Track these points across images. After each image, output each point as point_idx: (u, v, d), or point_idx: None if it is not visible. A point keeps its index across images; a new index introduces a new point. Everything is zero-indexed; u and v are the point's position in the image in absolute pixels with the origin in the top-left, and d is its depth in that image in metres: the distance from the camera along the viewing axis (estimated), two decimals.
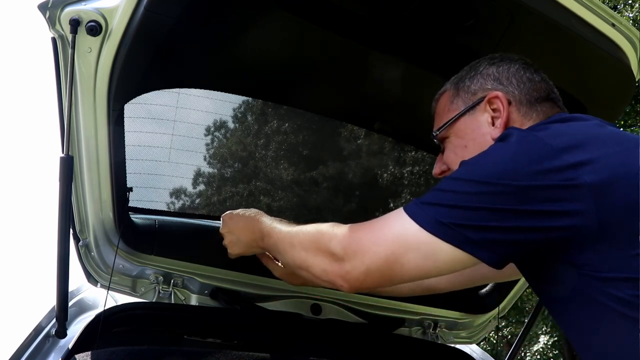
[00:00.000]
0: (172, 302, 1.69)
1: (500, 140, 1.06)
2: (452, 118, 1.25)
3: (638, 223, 0.93)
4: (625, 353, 0.94)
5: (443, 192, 1.03)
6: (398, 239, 1.04)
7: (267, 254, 1.56)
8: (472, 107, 1.23)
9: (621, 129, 1.15)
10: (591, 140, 1.01)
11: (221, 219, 1.57)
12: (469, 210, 0.98)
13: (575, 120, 1.13)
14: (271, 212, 1.82)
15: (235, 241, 1.53)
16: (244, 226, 1.49)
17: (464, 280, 1.67)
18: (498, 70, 1.23)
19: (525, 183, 0.95)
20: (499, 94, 1.20)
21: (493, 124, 1.20)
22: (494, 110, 1.20)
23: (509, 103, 1.19)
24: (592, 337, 1.00)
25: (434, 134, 1.30)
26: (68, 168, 1.26)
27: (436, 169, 1.32)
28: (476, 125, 1.22)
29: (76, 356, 1.36)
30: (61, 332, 1.38)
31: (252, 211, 1.50)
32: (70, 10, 1.18)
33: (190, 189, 1.94)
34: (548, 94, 1.22)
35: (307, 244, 1.23)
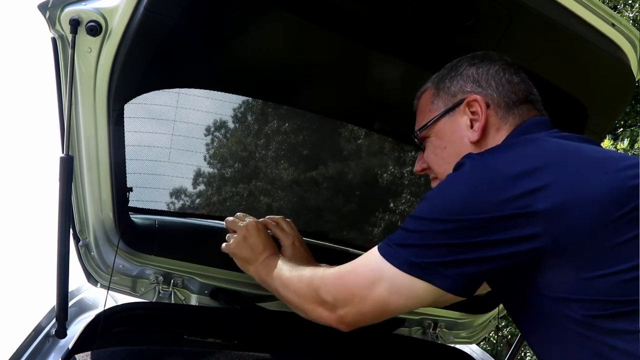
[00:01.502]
0: (172, 302, 1.69)
1: (455, 169, 1.10)
2: (432, 119, 1.27)
3: (593, 246, 0.96)
4: None
5: (411, 232, 1.08)
6: (380, 282, 1.09)
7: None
8: (451, 109, 1.25)
9: (585, 144, 1.15)
10: (548, 164, 1.02)
11: (252, 220, 1.54)
12: (438, 248, 1.03)
13: (535, 141, 1.13)
14: (271, 212, 1.82)
15: (242, 244, 1.50)
16: (260, 243, 1.48)
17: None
18: (478, 72, 1.24)
19: (485, 215, 0.99)
20: (478, 97, 1.21)
21: (472, 127, 1.22)
22: (472, 113, 1.22)
23: (487, 106, 1.21)
24: (558, 355, 1.04)
25: (415, 134, 1.32)
26: (68, 168, 1.26)
27: (417, 167, 1.36)
28: (455, 127, 1.24)
29: (76, 356, 1.36)
30: (61, 332, 1.38)
31: (273, 243, 1.51)
32: (70, 10, 1.18)
33: (190, 189, 1.94)
34: (527, 96, 1.23)
35: (299, 289, 1.29)
